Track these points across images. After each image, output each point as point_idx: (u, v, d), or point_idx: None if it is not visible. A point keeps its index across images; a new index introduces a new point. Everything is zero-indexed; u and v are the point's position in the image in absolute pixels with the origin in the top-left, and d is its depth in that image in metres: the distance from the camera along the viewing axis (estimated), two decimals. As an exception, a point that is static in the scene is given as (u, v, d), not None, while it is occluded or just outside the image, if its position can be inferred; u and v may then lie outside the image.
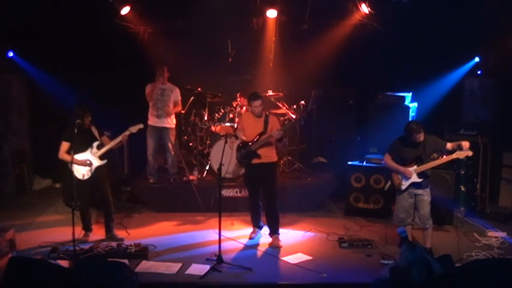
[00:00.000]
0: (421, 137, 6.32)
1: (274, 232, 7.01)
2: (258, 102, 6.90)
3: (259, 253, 6.68)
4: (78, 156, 6.79)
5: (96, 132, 6.94)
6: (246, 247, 6.88)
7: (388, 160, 6.62)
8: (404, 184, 6.48)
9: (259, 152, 6.91)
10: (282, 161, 8.74)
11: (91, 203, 7.28)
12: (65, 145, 6.79)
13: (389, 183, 6.77)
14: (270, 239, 7.02)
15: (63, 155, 6.81)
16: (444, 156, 6.43)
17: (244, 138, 7.06)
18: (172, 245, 6.93)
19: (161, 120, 8.27)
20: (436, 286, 4.34)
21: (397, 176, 6.54)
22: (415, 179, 6.44)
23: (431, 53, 8.91)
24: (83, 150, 6.85)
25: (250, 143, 6.96)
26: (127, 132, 6.92)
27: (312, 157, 9.59)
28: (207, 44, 9.57)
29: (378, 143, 8.33)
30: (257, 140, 6.94)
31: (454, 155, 6.34)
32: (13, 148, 9.52)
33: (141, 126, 7.08)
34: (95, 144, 6.91)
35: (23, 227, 7.35)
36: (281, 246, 6.87)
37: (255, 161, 6.95)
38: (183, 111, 8.79)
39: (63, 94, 9.05)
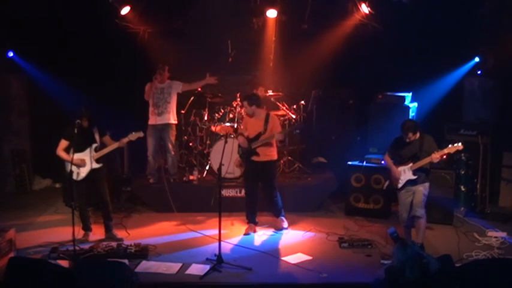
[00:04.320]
0: (412, 137, 6.38)
1: (277, 216, 7.47)
2: (245, 103, 7.27)
3: (259, 253, 6.68)
4: (75, 156, 6.80)
5: (97, 134, 6.94)
6: (246, 247, 6.88)
7: (387, 159, 6.71)
8: (401, 182, 6.51)
9: (259, 150, 7.16)
10: (282, 161, 8.76)
11: (89, 203, 7.26)
12: (63, 143, 6.82)
13: (387, 182, 6.82)
14: (265, 238, 7.19)
15: (60, 152, 6.83)
16: (435, 152, 6.37)
17: (241, 139, 7.32)
18: (172, 245, 6.93)
19: (162, 117, 8.27)
20: (434, 283, 4.34)
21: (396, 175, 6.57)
22: (410, 176, 6.46)
23: (431, 53, 8.91)
24: (81, 150, 6.85)
25: (251, 141, 7.21)
26: (125, 139, 6.92)
27: (312, 157, 9.59)
28: (207, 44, 9.58)
29: (378, 143, 8.34)
30: (256, 139, 7.16)
31: (445, 149, 6.33)
32: (13, 148, 9.53)
33: (141, 134, 7.08)
34: (93, 146, 6.92)
35: (23, 227, 7.35)
36: (285, 227, 7.41)
37: (255, 158, 7.22)
38: (183, 111, 8.79)
39: (63, 94, 9.06)
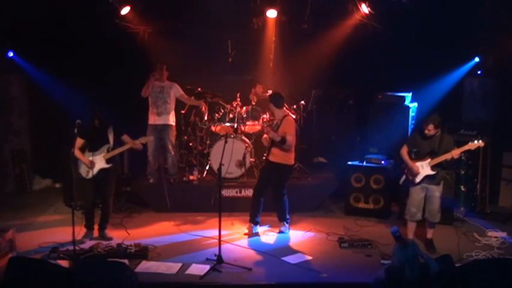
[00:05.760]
0: (432, 131, 6.42)
1: (280, 220, 7.42)
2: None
3: (259, 253, 6.68)
4: (86, 155, 6.86)
5: (111, 134, 6.94)
6: (246, 247, 6.89)
7: (403, 151, 6.69)
8: (419, 177, 6.53)
9: (272, 150, 7.16)
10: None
11: (95, 203, 7.26)
12: (79, 141, 6.86)
13: (403, 177, 6.79)
14: (265, 238, 7.24)
15: (76, 150, 6.86)
16: (455, 148, 6.44)
17: (264, 136, 7.46)
18: (172, 245, 6.93)
19: (161, 117, 8.29)
20: (434, 283, 4.35)
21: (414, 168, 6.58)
22: (428, 171, 6.49)
23: (431, 52, 8.90)
24: (93, 150, 6.88)
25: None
26: (137, 141, 7.00)
27: (312, 157, 9.59)
28: (207, 44, 9.57)
29: (378, 143, 8.35)
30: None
31: (466, 146, 6.41)
32: (13, 148, 9.52)
33: (150, 139, 7.42)
34: (106, 147, 6.92)
35: (23, 227, 7.35)
36: (283, 232, 7.35)
37: (269, 157, 7.25)
38: (183, 111, 8.80)
39: (63, 94, 9.06)
